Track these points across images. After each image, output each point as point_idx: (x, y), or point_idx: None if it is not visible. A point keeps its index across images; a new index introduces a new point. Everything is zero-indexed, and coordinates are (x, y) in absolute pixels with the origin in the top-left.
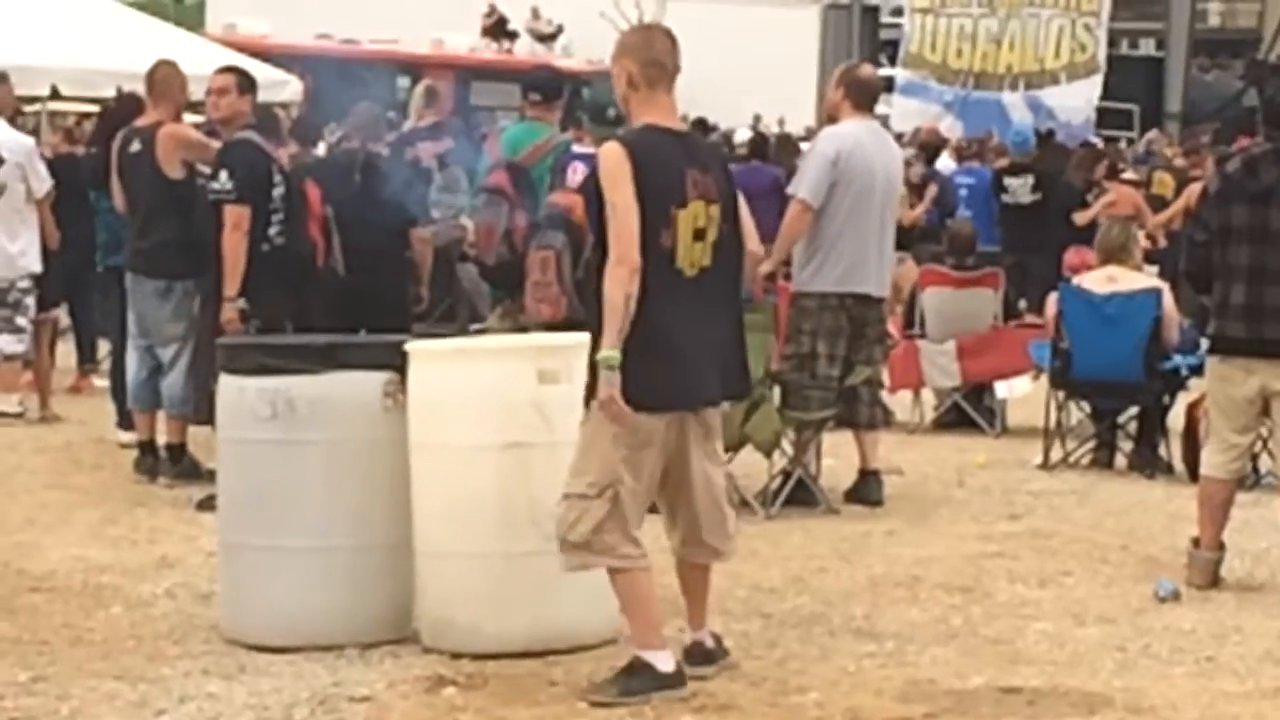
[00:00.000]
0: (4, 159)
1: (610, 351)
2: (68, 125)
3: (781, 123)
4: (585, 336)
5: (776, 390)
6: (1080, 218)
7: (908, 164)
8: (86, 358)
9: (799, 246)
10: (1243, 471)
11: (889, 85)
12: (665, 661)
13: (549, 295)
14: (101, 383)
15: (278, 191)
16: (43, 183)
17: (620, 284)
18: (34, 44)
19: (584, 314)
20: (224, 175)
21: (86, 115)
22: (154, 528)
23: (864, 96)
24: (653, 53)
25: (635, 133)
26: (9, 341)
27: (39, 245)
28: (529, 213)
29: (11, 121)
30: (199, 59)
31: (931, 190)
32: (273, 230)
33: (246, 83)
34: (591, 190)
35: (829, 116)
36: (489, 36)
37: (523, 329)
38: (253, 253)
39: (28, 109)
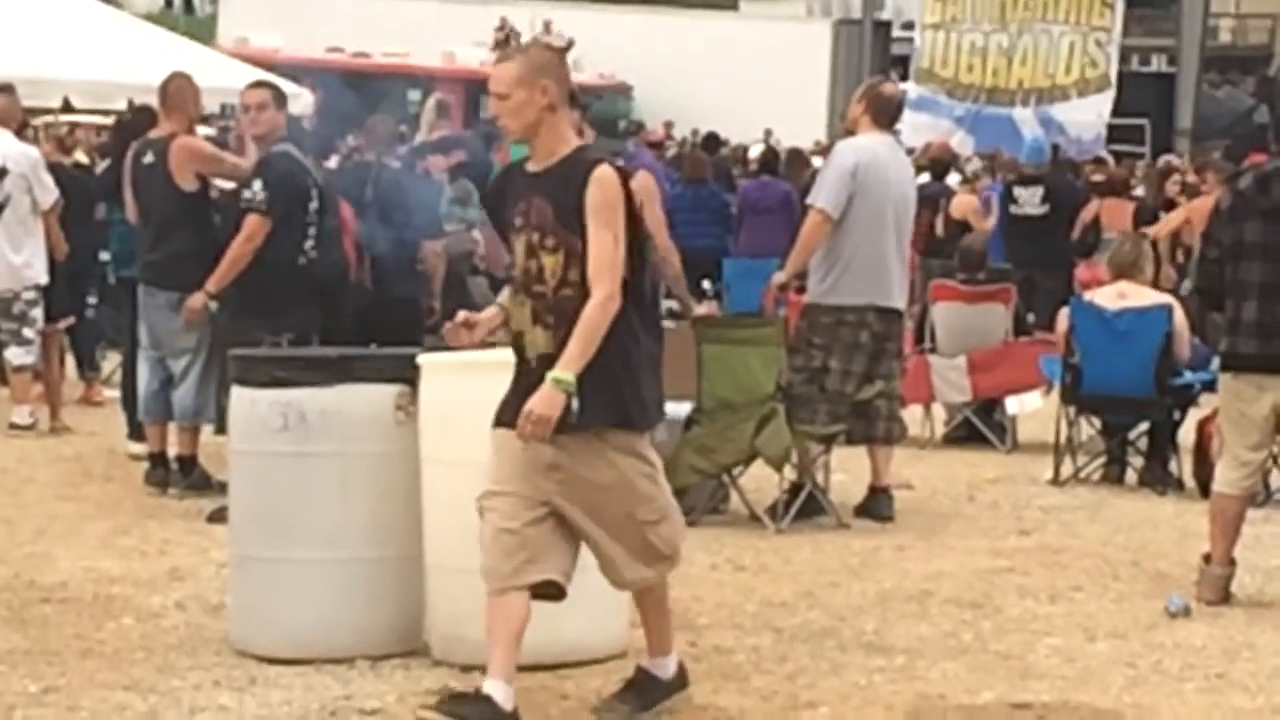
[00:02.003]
0: (8, 170)
1: (571, 376)
2: (59, 134)
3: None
4: None
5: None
6: (1155, 231)
7: (975, 177)
8: (87, 366)
9: (813, 258)
10: (1255, 488)
11: None
12: (667, 667)
13: None
14: (112, 393)
15: (314, 206)
16: (48, 194)
17: (609, 315)
18: (46, 56)
19: None
20: (258, 185)
21: (93, 127)
22: (165, 539)
23: (884, 114)
24: (564, 71)
25: (608, 156)
26: (18, 353)
27: (46, 257)
28: None
29: (19, 133)
30: (211, 72)
31: (994, 201)
32: (308, 244)
33: (280, 97)
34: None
35: (847, 130)
36: (500, 50)
37: None
38: (287, 266)
39: (37, 121)
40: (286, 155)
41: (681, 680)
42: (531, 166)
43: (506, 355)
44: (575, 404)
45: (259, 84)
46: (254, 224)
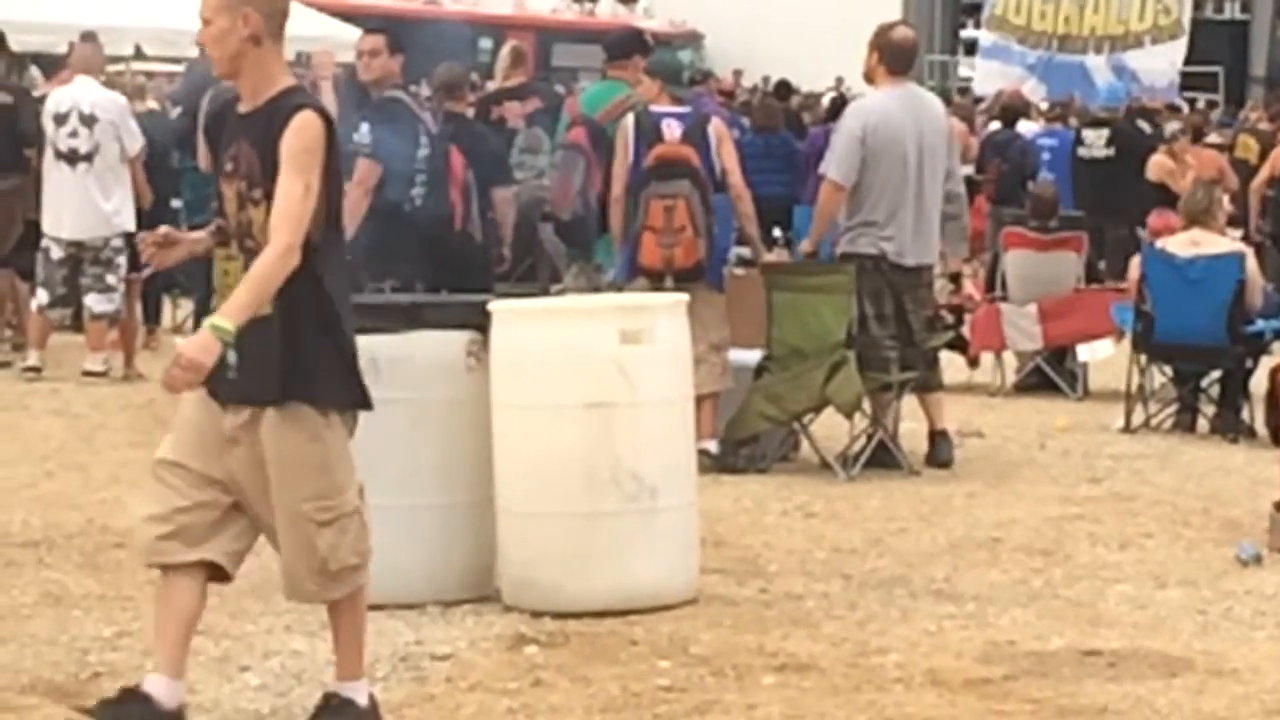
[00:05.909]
0: (98, 118)
1: (232, 325)
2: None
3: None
4: (673, 297)
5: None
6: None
7: (1173, 138)
8: (150, 316)
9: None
10: None
11: (971, 48)
12: (363, 693)
13: (681, 240)
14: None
15: (422, 153)
16: (135, 141)
17: (287, 270)
18: (118, 4)
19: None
20: (365, 128)
21: (165, 75)
22: None
23: (898, 61)
24: (278, 3)
25: (314, 99)
26: (98, 300)
27: (133, 204)
28: (605, 170)
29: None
30: None
31: (1188, 151)
32: (414, 190)
33: (395, 43)
34: (698, 138)
35: (865, 78)
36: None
37: (597, 288)
38: (392, 212)
39: (109, 68)
40: (396, 101)
41: (375, 708)
42: (242, 107)
43: (576, 301)
44: (232, 358)
45: (372, 30)
46: (364, 168)
